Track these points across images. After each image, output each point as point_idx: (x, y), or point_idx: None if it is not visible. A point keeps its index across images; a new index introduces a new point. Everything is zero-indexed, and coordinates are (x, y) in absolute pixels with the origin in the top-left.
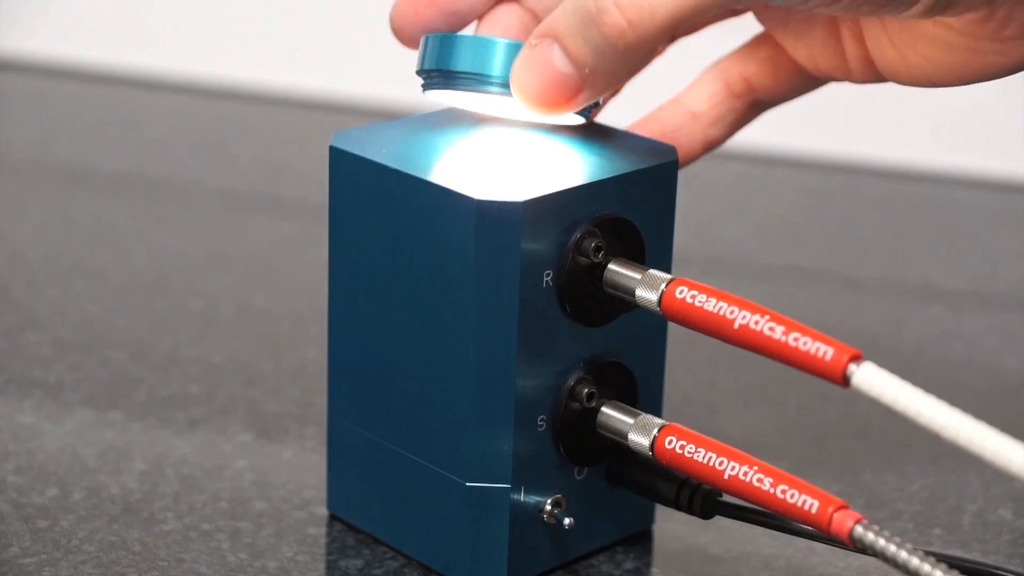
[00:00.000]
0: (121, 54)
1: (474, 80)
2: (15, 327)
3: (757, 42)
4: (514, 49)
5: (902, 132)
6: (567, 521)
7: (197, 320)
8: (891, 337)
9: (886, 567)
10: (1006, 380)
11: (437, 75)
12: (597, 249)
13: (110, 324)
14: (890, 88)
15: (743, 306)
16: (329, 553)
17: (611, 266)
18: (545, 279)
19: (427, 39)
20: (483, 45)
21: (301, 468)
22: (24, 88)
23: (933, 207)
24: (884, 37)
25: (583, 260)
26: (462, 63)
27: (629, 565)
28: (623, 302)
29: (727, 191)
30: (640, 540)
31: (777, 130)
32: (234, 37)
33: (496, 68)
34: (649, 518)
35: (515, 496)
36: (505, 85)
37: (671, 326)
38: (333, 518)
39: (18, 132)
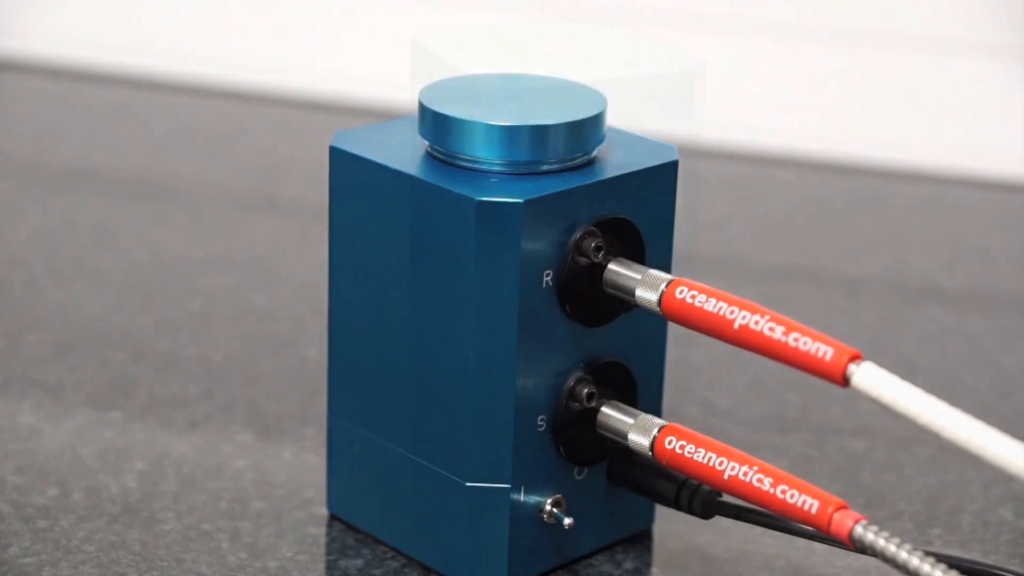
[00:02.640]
0: (121, 54)
1: (470, 161)
2: (15, 327)
3: None
4: (507, 130)
5: (902, 132)
6: (567, 521)
7: (197, 320)
8: (891, 337)
9: (886, 567)
10: (1006, 380)
11: (438, 151)
12: (597, 249)
13: (110, 324)
14: (890, 88)
15: (743, 306)
16: (329, 553)
17: (611, 266)
18: (545, 279)
19: (422, 109)
20: (477, 129)
21: (301, 468)
22: (24, 88)
23: (933, 207)
24: None
25: (583, 260)
26: (457, 145)
27: (629, 565)
28: (623, 302)
29: (727, 191)
30: (640, 540)
31: (777, 131)
32: (234, 37)
33: (492, 151)
34: (649, 518)
35: (515, 496)
36: (503, 164)
37: (671, 326)
38: (333, 518)
39: (18, 132)
